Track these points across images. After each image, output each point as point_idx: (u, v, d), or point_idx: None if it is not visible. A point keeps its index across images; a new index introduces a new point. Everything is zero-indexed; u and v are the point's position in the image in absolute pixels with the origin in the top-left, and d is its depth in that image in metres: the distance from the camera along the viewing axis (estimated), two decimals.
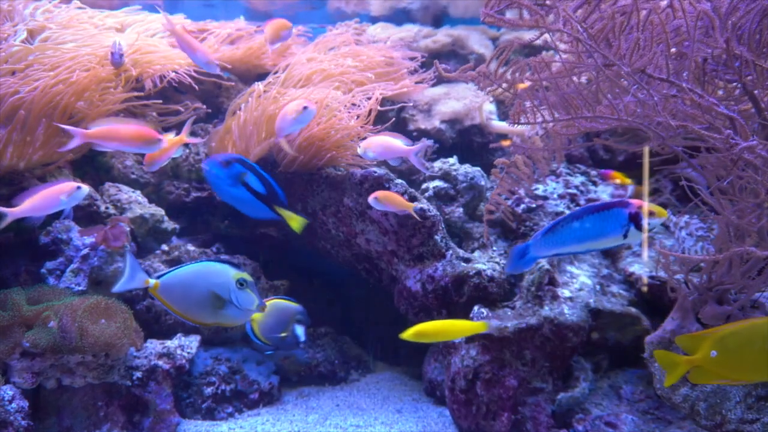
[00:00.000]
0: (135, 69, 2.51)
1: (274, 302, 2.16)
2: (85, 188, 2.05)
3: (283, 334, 2.11)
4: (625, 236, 1.60)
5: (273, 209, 2.16)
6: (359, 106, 2.61)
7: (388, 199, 2.24)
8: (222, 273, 1.61)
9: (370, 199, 2.24)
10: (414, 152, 2.29)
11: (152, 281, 1.63)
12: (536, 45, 2.78)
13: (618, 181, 2.57)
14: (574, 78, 1.82)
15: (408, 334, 1.99)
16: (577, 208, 1.86)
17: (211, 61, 2.34)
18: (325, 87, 2.60)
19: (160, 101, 2.54)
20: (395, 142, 2.28)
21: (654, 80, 1.62)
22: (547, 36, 1.80)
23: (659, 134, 1.68)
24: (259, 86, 2.65)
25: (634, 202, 1.60)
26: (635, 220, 1.59)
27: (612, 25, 1.61)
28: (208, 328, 2.57)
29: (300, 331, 2.10)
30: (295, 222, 2.15)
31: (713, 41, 1.58)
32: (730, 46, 1.56)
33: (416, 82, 2.88)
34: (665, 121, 1.62)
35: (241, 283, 1.58)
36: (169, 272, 1.65)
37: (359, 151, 2.31)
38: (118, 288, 1.65)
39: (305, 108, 2.17)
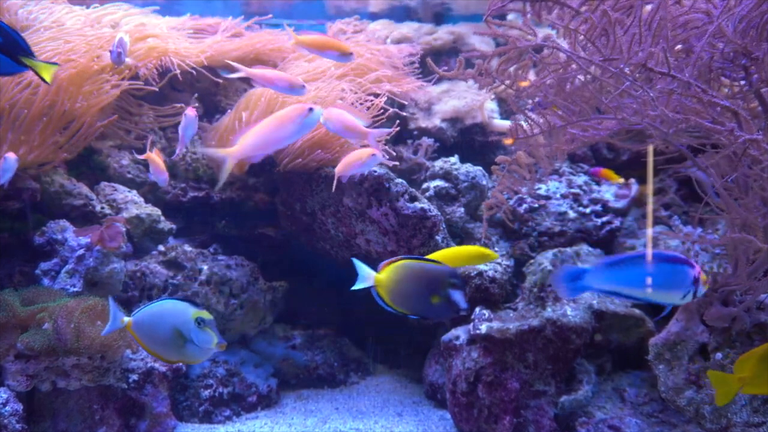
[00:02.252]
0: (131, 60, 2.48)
1: (411, 263, 1.86)
2: (12, 156, 2.03)
3: (435, 300, 1.82)
4: (683, 297, 1.54)
5: (17, 60, 1.75)
6: (360, 104, 2.58)
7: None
8: (182, 311, 1.62)
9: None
10: (372, 135, 2.17)
11: (126, 319, 1.65)
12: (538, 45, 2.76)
13: (612, 180, 2.53)
14: (575, 82, 1.79)
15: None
16: (643, 251, 1.74)
17: (295, 84, 2.15)
18: (326, 86, 2.57)
19: (156, 89, 2.50)
20: (354, 121, 2.14)
21: (655, 77, 1.59)
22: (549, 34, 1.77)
23: (662, 130, 1.65)
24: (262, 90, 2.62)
25: (696, 266, 1.54)
26: (696, 283, 1.52)
27: (604, 21, 1.58)
28: None
29: (458, 296, 1.79)
30: (46, 71, 1.80)
31: (727, 37, 1.55)
32: (745, 42, 1.53)
33: (418, 86, 2.85)
34: (666, 116, 1.59)
35: (199, 321, 1.60)
36: (139, 310, 1.66)
37: (321, 119, 2.15)
38: (105, 332, 1.69)
39: (310, 110, 1.90)
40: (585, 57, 1.62)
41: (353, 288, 1.89)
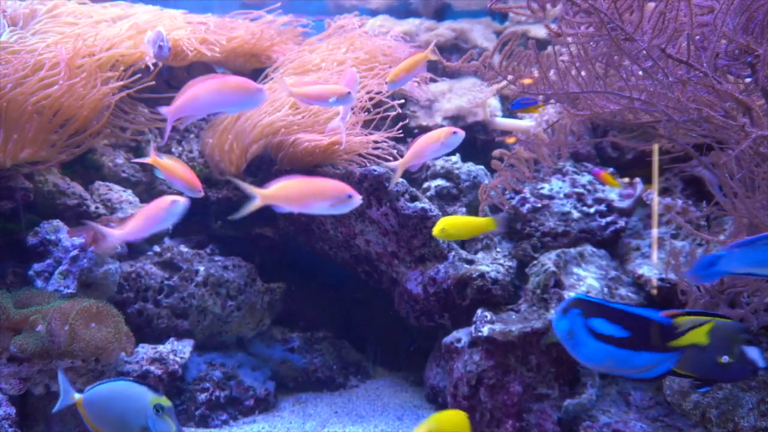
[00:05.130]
0: (124, 64, 2.45)
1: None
2: (182, 201, 1.88)
3: (726, 360, 1.62)
4: None
5: None
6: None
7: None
8: (139, 397, 1.57)
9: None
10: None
11: (77, 396, 1.61)
12: (542, 39, 2.72)
13: (611, 185, 2.49)
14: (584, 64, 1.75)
15: (437, 230, 2.08)
16: None
17: (342, 95, 2.08)
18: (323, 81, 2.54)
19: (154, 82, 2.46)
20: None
21: (670, 64, 1.56)
22: (552, 27, 1.74)
23: (672, 117, 1.62)
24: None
25: None
26: None
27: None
28: (202, 332, 2.52)
29: (755, 353, 1.60)
30: None
31: (728, 36, 1.52)
32: (749, 40, 1.51)
33: (417, 81, 2.82)
34: (680, 102, 1.56)
35: (157, 409, 1.56)
36: (92, 388, 1.62)
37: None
38: (55, 410, 1.64)
39: (349, 196, 1.85)
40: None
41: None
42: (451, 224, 2.10)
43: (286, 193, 1.85)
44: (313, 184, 1.87)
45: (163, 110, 1.90)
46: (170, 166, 2.08)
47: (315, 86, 2.14)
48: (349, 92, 2.08)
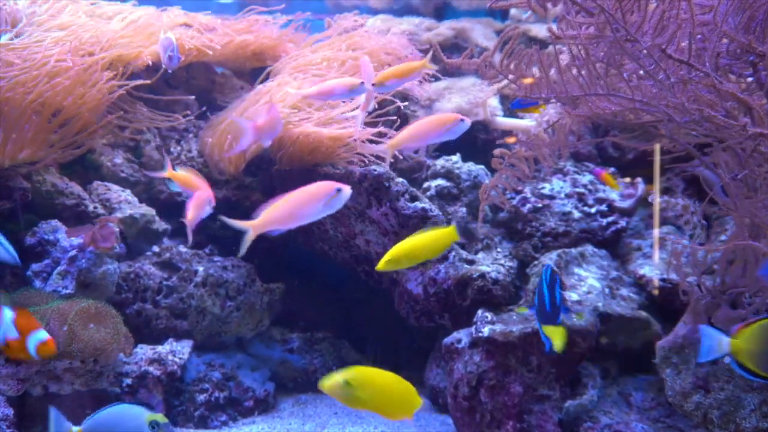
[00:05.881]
0: (121, 62, 2.44)
1: None
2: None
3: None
4: None
5: None
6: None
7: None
8: (136, 416, 1.61)
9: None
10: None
11: (75, 429, 1.63)
12: (543, 39, 2.71)
13: (611, 186, 2.48)
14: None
15: (382, 264, 1.88)
16: None
17: (354, 86, 2.04)
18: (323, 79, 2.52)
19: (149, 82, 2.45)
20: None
21: (671, 64, 1.55)
22: (553, 29, 1.73)
23: (674, 118, 1.61)
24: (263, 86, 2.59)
25: None
26: None
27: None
28: (201, 333, 2.51)
29: None
30: None
31: (729, 35, 1.51)
32: (750, 39, 1.50)
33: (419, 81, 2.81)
34: (681, 103, 1.55)
35: (153, 425, 1.59)
36: (89, 418, 1.64)
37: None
38: None
39: (338, 191, 1.79)
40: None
41: (701, 360, 1.66)
42: (404, 253, 1.87)
43: (275, 215, 1.83)
44: (297, 195, 1.83)
45: (247, 124, 1.95)
46: (186, 178, 2.10)
47: (326, 82, 2.11)
48: (362, 83, 2.02)
